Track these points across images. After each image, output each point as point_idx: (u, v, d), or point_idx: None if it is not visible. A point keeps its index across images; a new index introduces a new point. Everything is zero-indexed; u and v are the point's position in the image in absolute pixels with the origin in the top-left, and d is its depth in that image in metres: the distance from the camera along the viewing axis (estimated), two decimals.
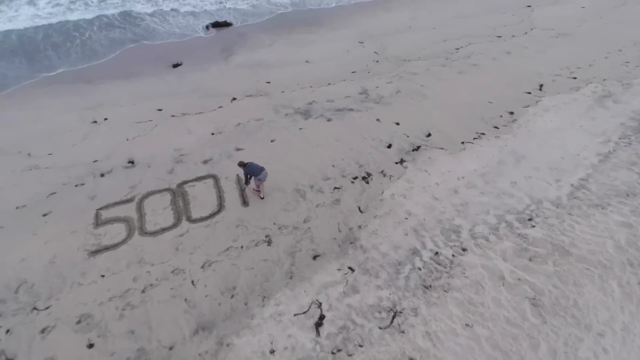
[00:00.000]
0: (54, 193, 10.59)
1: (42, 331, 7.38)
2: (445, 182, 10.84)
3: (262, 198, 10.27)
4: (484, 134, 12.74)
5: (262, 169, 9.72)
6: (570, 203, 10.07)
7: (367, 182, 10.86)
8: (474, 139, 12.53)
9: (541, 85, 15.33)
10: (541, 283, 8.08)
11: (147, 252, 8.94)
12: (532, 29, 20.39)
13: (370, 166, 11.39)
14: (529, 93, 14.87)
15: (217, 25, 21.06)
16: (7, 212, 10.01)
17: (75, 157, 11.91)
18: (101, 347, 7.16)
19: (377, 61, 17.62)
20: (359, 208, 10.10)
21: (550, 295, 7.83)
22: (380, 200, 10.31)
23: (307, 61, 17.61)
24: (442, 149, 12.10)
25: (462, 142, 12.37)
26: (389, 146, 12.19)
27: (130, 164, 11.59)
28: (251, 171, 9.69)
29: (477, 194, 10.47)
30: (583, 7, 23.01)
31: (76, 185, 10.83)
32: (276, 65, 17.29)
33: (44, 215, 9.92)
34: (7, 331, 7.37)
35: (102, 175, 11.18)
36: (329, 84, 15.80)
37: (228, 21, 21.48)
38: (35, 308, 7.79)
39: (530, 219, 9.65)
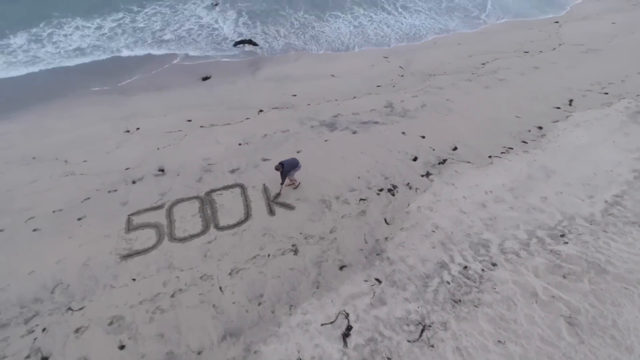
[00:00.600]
0: (89, 198, 10.99)
1: (76, 331, 7.58)
2: (472, 196, 10.69)
3: (297, 186, 11.06)
4: (512, 148, 12.56)
5: (296, 163, 10.55)
6: (605, 220, 9.74)
7: (393, 195, 10.83)
8: (502, 153, 12.36)
9: (571, 101, 15.07)
10: (577, 301, 7.79)
11: (177, 257, 9.12)
12: (560, 45, 20.18)
13: (396, 178, 11.37)
14: (558, 108, 14.62)
15: (242, 42, 21.66)
16: (45, 215, 10.43)
17: (109, 164, 12.36)
18: (132, 349, 7.28)
19: (402, 75, 17.75)
20: (385, 220, 10.06)
21: (587, 315, 7.53)
22: (407, 213, 10.24)
23: (332, 75, 17.91)
24: (468, 162, 11.98)
25: (490, 156, 12.22)
26: (415, 159, 12.16)
27: (160, 172, 11.94)
28: (291, 168, 10.38)
29: (506, 208, 10.27)
30: (613, 23, 22.65)
31: (109, 192, 11.21)
32: (302, 79, 17.64)
33: (79, 219, 10.28)
34: (44, 330, 7.61)
35: (134, 182, 11.55)
36: (355, 97, 15.98)
37: (253, 40, 22.09)
38: (70, 308, 8.02)
39: (562, 235, 9.37)
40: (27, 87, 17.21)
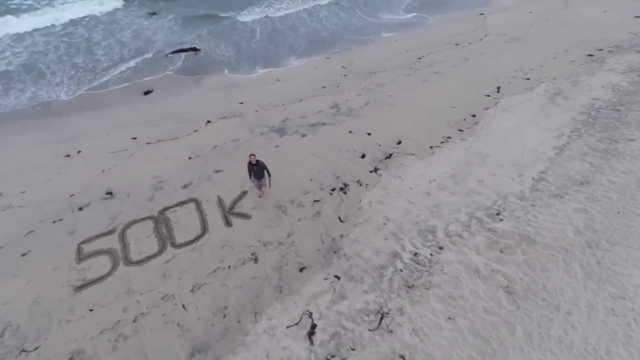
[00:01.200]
0: (32, 232, 10.44)
1: None
2: (418, 186, 11.45)
3: (259, 197, 11.13)
4: (450, 137, 13.53)
5: (260, 178, 10.46)
6: (533, 195, 10.87)
7: (345, 193, 11.33)
8: (442, 142, 13.29)
9: (499, 88, 16.43)
10: (512, 272, 8.70)
11: (135, 281, 8.99)
12: (486, 35, 21.79)
13: (347, 177, 11.89)
14: (488, 96, 15.90)
15: (182, 51, 21.25)
16: None
17: (51, 193, 11.77)
18: None
19: (345, 75, 18.36)
20: (339, 218, 10.53)
21: (522, 282, 8.45)
22: (359, 209, 10.78)
23: (277, 80, 18.13)
24: (412, 154, 12.77)
25: (431, 147, 13.09)
26: (363, 156, 12.75)
27: (108, 195, 11.59)
28: (250, 171, 10.39)
29: (448, 194, 11.12)
30: (530, 12, 24.78)
31: (54, 222, 10.72)
32: (248, 86, 17.71)
33: (23, 255, 9.77)
34: None
35: (80, 209, 11.12)
36: (301, 100, 16.34)
37: (194, 47, 21.74)
38: (23, 350, 7.69)
39: (498, 214, 10.35)
40: None
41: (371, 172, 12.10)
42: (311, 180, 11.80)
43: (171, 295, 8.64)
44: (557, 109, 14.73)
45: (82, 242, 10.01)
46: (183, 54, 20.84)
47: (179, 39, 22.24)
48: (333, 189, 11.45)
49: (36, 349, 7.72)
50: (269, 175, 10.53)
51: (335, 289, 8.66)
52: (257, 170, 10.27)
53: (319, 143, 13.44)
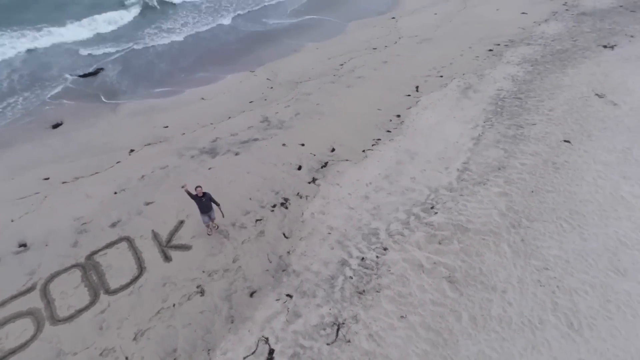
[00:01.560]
0: None
1: None
2: (356, 191, 11.77)
3: (209, 234, 10.44)
4: (379, 139, 14.12)
5: (209, 211, 9.80)
6: (460, 185, 11.73)
7: (286, 207, 11.27)
8: (373, 145, 13.81)
9: (417, 87, 17.52)
10: (452, 261, 9.30)
11: (66, 341, 8.05)
12: (400, 38, 23.13)
13: (286, 191, 11.83)
14: (409, 95, 16.89)
15: (91, 74, 19.68)
16: None
17: None
18: None
19: (272, 87, 18.30)
20: (284, 234, 10.43)
21: (461, 270, 9.07)
22: (302, 222, 10.78)
23: (202, 98, 17.50)
24: (347, 160, 13.10)
25: (363, 151, 13.55)
26: (299, 168, 12.79)
27: (22, 248, 10.28)
28: (199, 206, 9.64)
29: (385, 195, 11.58)
30: (435, 14, 26.81)
31: None
32: (171, 108, 16.85)
33: None
34: None
35: None
36: (230, 117, 15.95)
37: (99, 67, 20.24)
38: None
39: (432, 207, 11.01)
40: None
41: (309, 182, 12.18)
42: (250, 199, 11.55)
43: (111, 349, 7.88)
44: (470, 102, 16.10)
45: None
46: (90, 77, 19.33)
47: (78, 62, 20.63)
48: (274, 205, 11.32)
49: None
50: (218, 204, 9.87)
51: (288, 308, 8.55)
52: (205, 202, 9.53)
53: (253, 160, 13.22)
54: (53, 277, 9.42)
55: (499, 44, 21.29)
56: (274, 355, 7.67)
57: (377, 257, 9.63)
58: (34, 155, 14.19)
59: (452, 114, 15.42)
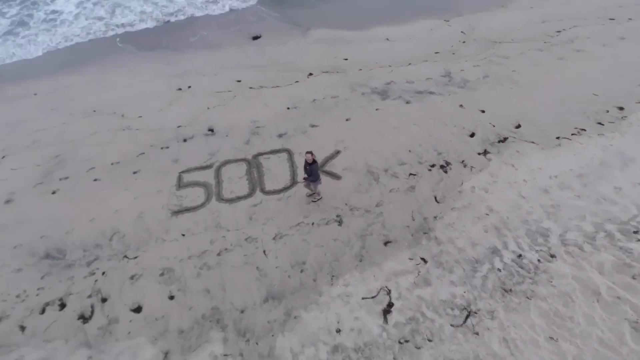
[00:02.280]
0: (143, 153, 11.39)
1: (132, 278, 8.09)
2: (534, 180, 9.85)
3: (314, 201, 9.63)
4: (584, 129, 11.31)
5: (315, 178, 8.82)
6: None
7: (446, 172, 10.24)
8: (572, 134, 11.17)
9: None
10: None
11: (224, 217, 9.33)
12: None
13: (450, 155, 10.70)
14: None
15: None
16: (104, 167, 10.99)
17: (162, 121, 12.66)
18: (180, 300, 7.67)
19: (464, 42, 16.32)
20: (435, 198, 9.58)
21: None
22: (459, 192, 9.67)
23: (387, 39, 16.84)
24: (533, 142, 10.97)
25: (558, 137, 11.10)
26: (472, 135, 11.33)
27: (210, 132, 12.07)
28: (308, 172, 8.74)
29: (572, 196, 9.38)
30: None
31: (162, 148, 11.54)
32: (355, 42, 16.78)
33: (134, 172, 10.74)
34: (103, 273, 8.19)
35: (185, 140, 11.78)
36: (410, 64, 15.00)
37: None
38: (125, 256, 8.53)
39: (636, 232, 8.44)
40: (92, 44, 17.92)
41: (479, 154, 10.71)
42: (410, 151, 10.86)
43: (254, 239, 8.78)
44: None
45: (183, 172, 10.64)
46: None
47: None
48: (432, 165, 10.41)
49: (135, 257, 8.51)
50: (314, 181, 8.87)
51: (419, 271, 7.97)
52: (308, 170, 8.71)
53: (423, 113, 12.26)
54: (226, 163, 10.86)
55: None
56: (392, 309, 7.35)
57: (539, 260, 8.02)
58: (235, 59, 16.20)
59: None
